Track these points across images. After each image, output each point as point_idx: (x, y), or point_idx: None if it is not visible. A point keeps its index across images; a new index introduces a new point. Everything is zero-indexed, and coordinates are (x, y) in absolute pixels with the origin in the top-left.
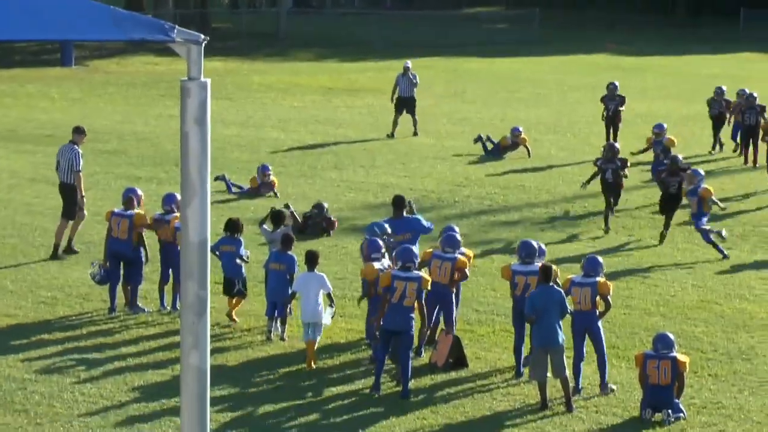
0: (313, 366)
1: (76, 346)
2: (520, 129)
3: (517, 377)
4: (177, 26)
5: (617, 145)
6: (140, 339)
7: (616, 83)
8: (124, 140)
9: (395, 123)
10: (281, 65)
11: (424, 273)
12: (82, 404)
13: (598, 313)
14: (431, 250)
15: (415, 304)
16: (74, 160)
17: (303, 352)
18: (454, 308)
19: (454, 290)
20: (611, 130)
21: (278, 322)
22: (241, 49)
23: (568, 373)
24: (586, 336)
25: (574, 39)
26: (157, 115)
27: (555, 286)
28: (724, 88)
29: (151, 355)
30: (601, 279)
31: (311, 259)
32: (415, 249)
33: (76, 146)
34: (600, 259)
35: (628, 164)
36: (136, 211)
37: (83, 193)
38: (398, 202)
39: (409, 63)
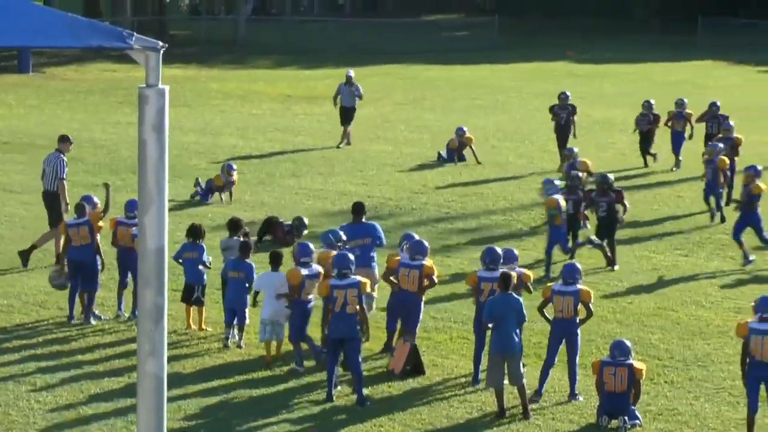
0: (279, 356)
1: (33, 354)
2: (465, 129)
3: (475, 384)
4: (135, 33)
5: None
6: (97, 347)
7: (568, 93)
8: (81, 147)
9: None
10: (240, 72)
11: (360, 277)
12: (38, 412)
13: (578, 321)
14: (398, 257)
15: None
16: (59, 168)
17: (260, 359)
18: (420, 316)
19: (423, 298)
20: (561, 141)
21: (236, 329)
22: (200, 56)
23: (527, 380)
24: (561, 344)
25: (533, 46)
26: (115, 123)
27: (514, 294)
28: (653, 101)
29: (107, 362)
30: (582, 287)
31: (275, 259)
32: (372, 254)
33: (61, 154)
34: (578, 265)
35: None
36: (90, 212)
37: (67, 201)
38: (358, 209)
39: (352, 72)
